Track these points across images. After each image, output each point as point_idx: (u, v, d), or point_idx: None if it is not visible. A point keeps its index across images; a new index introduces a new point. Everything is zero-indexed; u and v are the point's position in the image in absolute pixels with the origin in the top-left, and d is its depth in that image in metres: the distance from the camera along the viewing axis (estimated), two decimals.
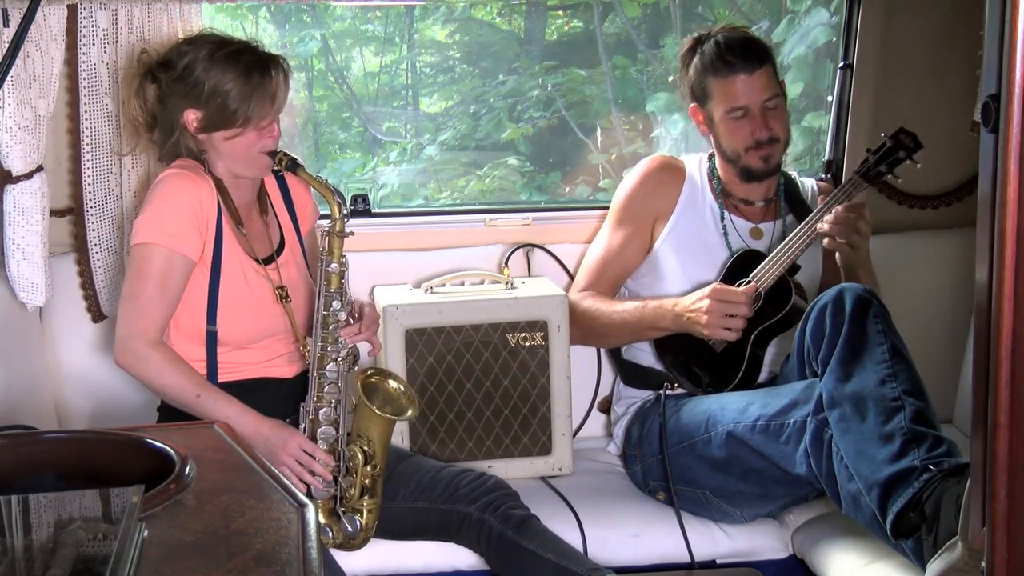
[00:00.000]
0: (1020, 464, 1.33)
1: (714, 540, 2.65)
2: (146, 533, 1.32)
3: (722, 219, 2.83)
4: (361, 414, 2.37)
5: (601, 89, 4.73)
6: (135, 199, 2.77)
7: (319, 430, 2.38)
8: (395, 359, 2.73)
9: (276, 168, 2.41)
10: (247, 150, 2.39)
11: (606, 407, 3.04)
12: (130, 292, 2.37)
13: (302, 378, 2.46)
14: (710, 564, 2.65)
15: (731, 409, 2.56)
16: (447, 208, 4.28)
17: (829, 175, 3.16)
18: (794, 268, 2.71)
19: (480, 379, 2.79)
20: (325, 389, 2.38)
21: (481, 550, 2.47)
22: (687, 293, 2.73)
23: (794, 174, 3.02)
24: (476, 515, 2.44)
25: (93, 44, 2.65)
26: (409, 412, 2.42)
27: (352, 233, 2.39)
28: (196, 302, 2.40)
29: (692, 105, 2.80)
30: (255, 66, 2.36)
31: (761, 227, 2.84)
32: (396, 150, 4.86)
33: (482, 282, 2.91)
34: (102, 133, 2.71)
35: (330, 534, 2.37)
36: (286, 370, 2.50)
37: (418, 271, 2.96)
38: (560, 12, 4.99)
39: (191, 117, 2.39)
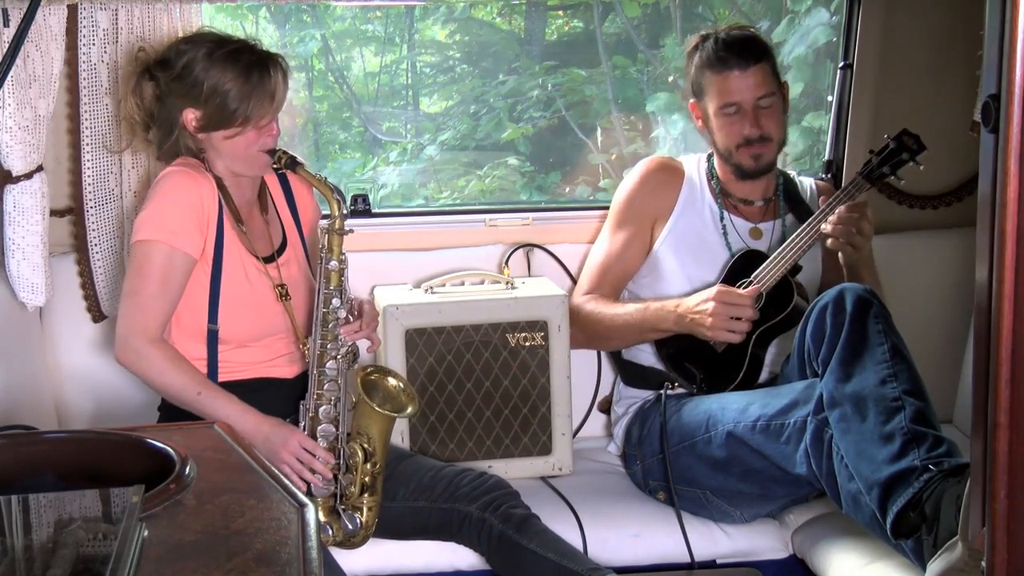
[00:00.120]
0: (1020, 464, 1.33)
1: (714, 540, 2.65)
2: (146, 533, 1.32)
3: (721, 219, 2.83)
4: (361, 411, 2.37)
5: (601, 89, 4.73)
6: (135, 199, 2.77)
7: (319, 428, 2.38)
8: (395, 359, 2.74)
9: (276, 166, 2.41)
10: (246, 149, 2.39)
11: (606, 407, 3.04)
12: (131, 289, 2.37)
13: (302, 379, 2.46)
14: (710, 564, 2.65)
15: (731, 409, 2.56)
16: (447, 208, 4.28)
17: (829, 175, 3.16)
18: (795, 268, 2.71)
19: (480, 379, 2.79)
20: (325, 387, 2.38)
21: (482, 549, 2.47)
22: (687, 294, 2.73)
23: (793, 173, 3.02)
24: (477, 514, 2.44)
25: (93, 44, 2.65)
26: (409, 409, 2.42)
27: (351, 231, 2.39)
28: (197, 300, 2.41)
29: (692, 101, 2.82)
30: (254, 65, 2.36)
31: (760, 227, 2.84)
32: (396, 150, 4.86)
33: (482, 282, 2.91)
34: (102, 133, 2.71)
35: (330, 532, 2.37)
36: (287, 370, 2.50)
37: (418, 271, 2.96)
38: (560, 12, 4.99)
39: (190, 116, 2.39)
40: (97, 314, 2.82)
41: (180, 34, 2.64)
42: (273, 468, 1.59)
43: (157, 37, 2.67)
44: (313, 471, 2.34)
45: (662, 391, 2.76)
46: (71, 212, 2.81)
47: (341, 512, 2.38)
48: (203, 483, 1.48)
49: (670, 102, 4.52)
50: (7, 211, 2.60)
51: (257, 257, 2.46)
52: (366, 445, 2.37)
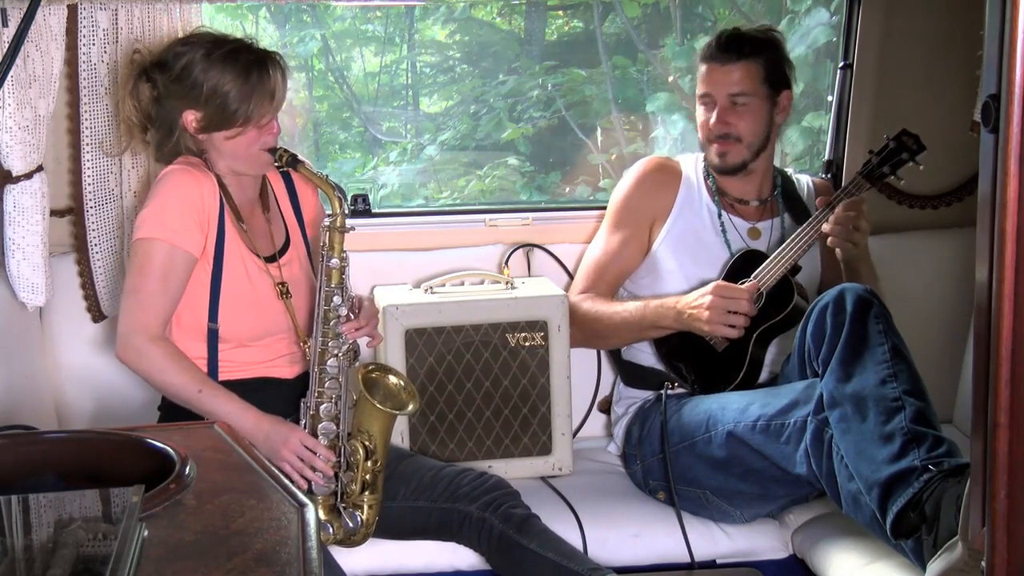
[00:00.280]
0: (1020, 464, 1.33)
1: (714, 540, 2.65)
2: (146, 533, 1.32)
3: (719, 218, 2.83)
4: (362, 409, 2.37)
5: (601, 89, 4.74)
6: (135, 199, 2.77)
7: (320, 425, 2.38)
8: (395, 359, 2.74)
9: (277, 164, 2.41)
10: (247, 148, 2.39)
11: (606, 407, 3.04)
12: (132, 287, 2.38)
13: (302, 379, 2.46)
14: (710, 564, 2.65)
15: (732, 409, 2.56)
16: (447, 208, 4.28)
17: (829, 175, 3.16)
18: (795, 268, 2.71)
19: (480, 379, 2.79)
20: (326, 384, 2.38)
21: (482, 549, 2.47)
22: (687, 293, 2.73)
23: (791, 171, 3.02)
24: (477, 514, 2.44)
25: (93, 44, 2.65)
26: (410, 407, 2.42)
27: (353, 228, 2.39)
28: (198, 298, 2.41)
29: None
30: (253, 64, 2.36)
31: (759, 226, 2.85)
32: (396, 150, 4.86)
33: (482, 282, 2.91)
34: (102, 133, 2.71)
35: (331, 530, 2.37)
36: (287, 371, 2.50)
37: (418, 271, 2.96)
38: (560, 12, 4.99)
39: (190, 118, 2.39)
40: (97, 314, 2.82)
41: (180, 34, 2.64)
42: (273, 467, 1.59)
43: (157, 37, 2.67)
44: (314, 469, 2.34)
45: (663, 391, 2.76)
46: (71, 212, 2.81)
47: (342, 510, 2.38)
48: (203, 483, 1.48)
49: (670, 102, 4.52)
50: (7, 211, 2.60)
51: (258, 256, 2.46)
52: (367, 443, 2.37)
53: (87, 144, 2.69)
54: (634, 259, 2.87)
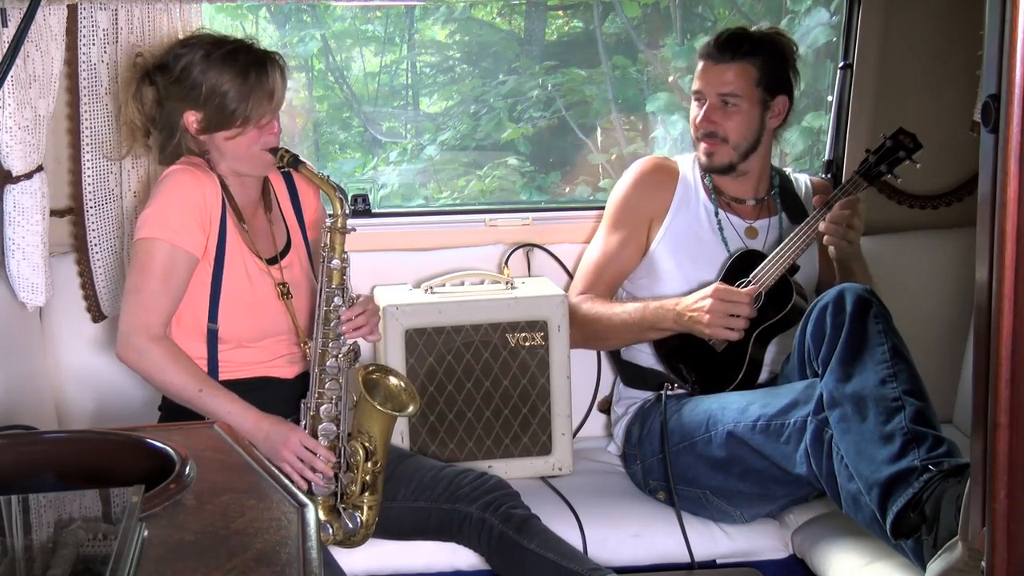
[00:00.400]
0: (1020, 464, 1.33)
1: (714, 540, 2.65)
2: (146, 533, 1.32)
3: (716, 216, 2.83)
4: (362, 410, 2.37)
5: (601, 89, 4.73)
6: (135, 199, 2.77)
7: (320, 426, 2.38)
8: (395, 359, 2.74)
9: (279, 165, 2.42)
10: (248, 148, 2.40)
11: (606, 407, 3.04)
12: (133, 286, 2.38)
13: (302, 379, 2.46)
14: (710, 564, 2.65)
15: (731, 409, 2.56)
16: (447, 208, 4.28)
17: (829, 175, 3.16)
18: (794, 268, 2.71)
19: (480, 379, 2.79)
20: (326, 385, 2.38)
21: (482, 550, 2.47)
22: (685, 293, 2.73)
23: (788, 170, 3.02)
24: (477, 515, 2.44)
25: (93, 44, 2.65)
26: (410, 408, 2.42)
27: (354, 229, 2.39)
28: (198, 299, 2.41)
29: None
30: (252, 65, 2.36)
31: (756, 225, 2.85)
32: (396, 150, 4.86)
33: (482, 282, 2.91)
34: (102, 133, 2.71)
35: (330, 531, 2.37)
36: (286, 371, 2.50)
37: (418, 271, 2.96)
38: (560, 12, 4.99)
39: (191, 119, 2.39)
40: (97, 314, 2.82)
41: (180, 34, 2.64)
42: (273, 467, 1.59)
43: (157, 37, 2.67)
44: (314, 470, 2.34)
45: (663, 391, 2.76)
46: (71, 212, 2.81)
47: (342, 511, 2.38)
48: (203, 483, 1.48)
49: (670, 102, 4.52)
50: (7, 211, 2.60)
51: (259, 257, 2.46)
52: (367, 444, 2.37)
53: (87, 144, 2.69)
54: (632, 259, 2.87)
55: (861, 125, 3.08)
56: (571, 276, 3.02)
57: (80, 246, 2.79)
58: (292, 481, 1.83)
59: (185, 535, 1.35)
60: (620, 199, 2.90)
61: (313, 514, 1.43)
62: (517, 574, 2.43)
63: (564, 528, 2.53)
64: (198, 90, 2.36)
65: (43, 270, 2.67)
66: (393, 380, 2.45)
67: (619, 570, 2.47)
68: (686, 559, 2.62)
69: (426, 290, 2.84)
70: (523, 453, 2.81)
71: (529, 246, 3.05)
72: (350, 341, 2.41)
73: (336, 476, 2.38)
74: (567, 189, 4.73)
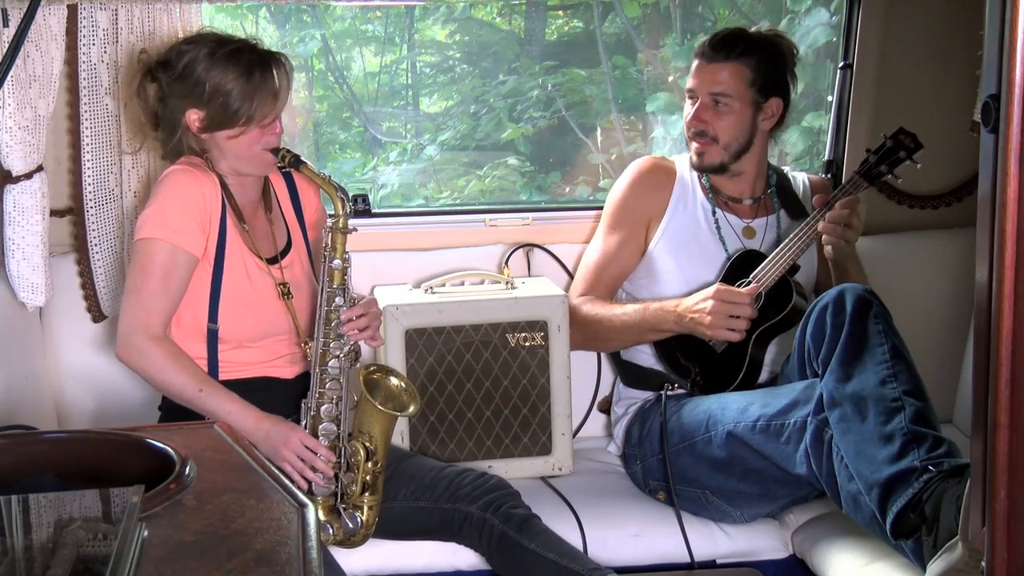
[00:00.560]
0: (1020, 464, 1.33)
1: (714, 540, 2.65)
2: (146, 533, 1.32)
3: (714, 215, 2.83)
4: (363, 410, 2.37)
5: (601, 89, 4.74)
6: (135, 199, 2.77)
7: (321, 426, 2.38)
8: (395, 359, 2.74)
9: (280, 165, 2.42)
10: (250, 148, 2.40)
11: (606, 407, 3.04)
12: (133, 286, 2.38)
13: (302, 379, 2.46)
14: (710, 564, 2.65)
15: (731, 409, 2.56)
16: (447, 208, 4.28)
17: (829, 175, 3.16)
18: (794, 268, 2.71)
19: (480, 379, 2.79)
20: (327, 385, 2.38)
21: (482, 550, 2.47)
22: (685, 294, 2.73)
23: (786, 169, 3.02)
24: (478, 515, 2.44)
25: (93, 44, 2.65)
26: (411, 408, 2.42)
27: (355, 229, 2.40)
28: (199, 299, 2.41)
29: None
30: (256, 64, 2.36)
31: (753, 225, 2.85)
32: (396, 150, 4.86)
33: (482, 282, 2.91)
34: (102, 133, 2.71)
35: (331, 531, 2.37)
36: (287, 371, 2.50)
37: (418, 271, 2.96)
38: (560, 12, 4.99)
39: (193, 117, 2.39)
40: (97, 314, 2.82)
41: (180, 34, 2.64)
42: (273, 467, 1.59)
43: (157, 37, 2.67)
44: (314, 469, 2.34)
45: (663, 391, 2.76)
46: (71, 212, 2.81)
47: (342, 511, 2.38)
48: (203, 483, 1.48)
49: (670, 102, 4.52)
50: (7, 211, 2.60)
51: (260, 257, 2.46)
52: (368, 444, 2.37)
53: (87, 144, 2.69)
54: (632, 260, 2.87)
55: (861, 125, 3.08)
56: (571, 276, 3.02)
57: (80, 246, 2.79)
58: (292, 481, 1.83)
59: (185, 535, 1.35)
60: (618, 200, 2.90)
61: (313, 514, 1.43)
62: (518, 574, 2.43)
63: (564, 528, 2.53)
64: (201, 88, 2.36)
65: (43, 270, 2.67)
66: (394, 380, 2.45)
67: (619, 570, 2.47)
68: (686, 559, 2.62)
69: (426, 290, 2.84)
70: (523, 453, 2.81)
71: (529, 246, 3.05)
72: (352, 341, 2.41)
73: (336, 476, 2.38)
74: (567, 189, 4.73)
